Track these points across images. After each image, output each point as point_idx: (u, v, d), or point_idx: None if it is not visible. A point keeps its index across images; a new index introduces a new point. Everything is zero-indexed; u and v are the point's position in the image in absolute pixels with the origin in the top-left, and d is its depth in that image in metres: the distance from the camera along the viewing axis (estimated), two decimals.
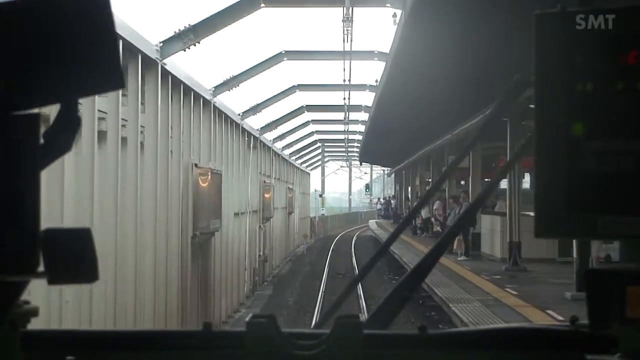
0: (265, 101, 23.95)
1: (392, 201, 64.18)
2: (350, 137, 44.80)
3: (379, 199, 75.58)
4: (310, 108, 31.52)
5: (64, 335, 1.48)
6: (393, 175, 69.16)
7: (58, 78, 1.02)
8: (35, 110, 1.01)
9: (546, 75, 1.22)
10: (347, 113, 33.61)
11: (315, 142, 46.44)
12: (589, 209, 1.20)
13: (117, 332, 1.56)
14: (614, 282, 1.21)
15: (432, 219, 31.30)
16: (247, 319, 1.38)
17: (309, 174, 59.23)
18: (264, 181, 28.33)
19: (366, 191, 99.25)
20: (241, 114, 22.05)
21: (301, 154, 45.86)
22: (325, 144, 51.76)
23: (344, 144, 48.67)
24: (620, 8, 1.20)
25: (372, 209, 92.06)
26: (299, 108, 30.22)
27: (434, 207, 30.31)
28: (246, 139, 22.81)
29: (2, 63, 0.98)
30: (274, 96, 24.50)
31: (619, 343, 1.24)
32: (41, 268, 1.00)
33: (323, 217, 66.45)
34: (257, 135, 26.50)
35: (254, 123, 24.64)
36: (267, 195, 27.92)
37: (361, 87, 28.33)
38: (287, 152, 38.97)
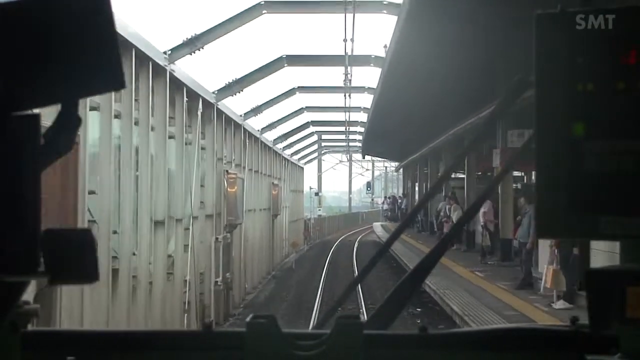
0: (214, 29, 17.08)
1: (400, 200, 58.46)
2: (353, 115, 39.54)
3: (386, 197, 72.38)
4: (292, 60, 24.59)
5: (64, 335, 1.57)
6: (401, 171, 65.28)
7: (58, 78, 1.08)
8: (36, 111, 1.08)
9: (547, 75, 1.29)
10: (349, 67, 27.63)
11: (307, 124, 40.84)
12: (589, 209, 1.27)
13: (118, 332, 1.64)
14: (615, 283, 1.27)
15: (480, 227, 24.41)
16: (247, 319, 1.47)
17: (302, 168, 54.79)
18: (227, 171, 21.31)
19: (367, 190, 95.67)
20: (168, 53, 15.12)
21: (290, 141, 41.17)
22: (321, 128, 46.49)
23: (343, 125, 43.29)
24: (620, 8, 1.27)
25: (374, 209, 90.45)
26: (277, 59, 23.72)
27: (482, 210, 23.32)
28: (185, 99, 16.10)
29: (3, 63, 1.06)
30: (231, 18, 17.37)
31: (620, 343, 1.32)
32: (42, 268, 1.05)
33: (320, 219, 61.66)
34: (212, 101, 20.04)
35: (204, 80, 18.60)
36: (231, 191, 21.06)
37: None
38: (269, 136, 33.34)
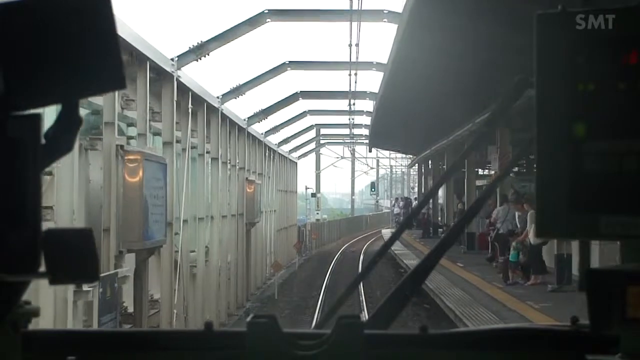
0: None
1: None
2: (358, 85, 30.39)
3: (397, 199, 62.53)
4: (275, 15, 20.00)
5: (65, 335, 1.64)
6: (417, 166, 55.40)
7: (59, 78, 1.11)
8: (37, 111, 1.16)
9: (547, 75, 1.36)
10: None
11: (296, 95, 29.88)
12: (590, 209, 1.34)
13: (119, 332, 1.78)
14: (615, 282, 1.33)
15: None
16: (248, 319, 1.56)
17: (295, 163, 45.10)
18: (123, 148, 12.77)
19: (372, 190, 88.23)
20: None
21: (273, 121, 30.89)
22: (314, 102, 34.67)
23: (346, 96, 32.43)
24: (620, 8, 1.36)
25: (379, 211, 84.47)
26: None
27: None
28: None
29: (3, 63, 1.11)
30: None
31: (620, 343, 1.39)
32: (42, 268, 1.12)
33: (318, 224, 53.03)
34: None
35: None
36: (132, 182, 12.42)
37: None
38: (241, 113, 24.50)
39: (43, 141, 1.09)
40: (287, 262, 38.23)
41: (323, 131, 49.59)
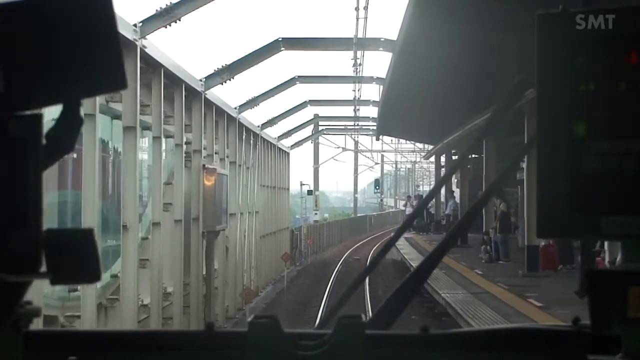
0: None
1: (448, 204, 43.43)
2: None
3: (408, 197, 56.40)
4: None
5: (67, 335, 1.72)
6: (434, 158, 50.75)
7: (61, 78, 1.15)
8: (38, 111, 1.21)
9: (548, 75, 1.41)
10: None
11: (277, 44, 21.98)
12: (590, 209, 1.39)
13: (120, 332, 1.79)
14: (616, 283, 1.38)
15: None
16: (249, 319, 1.74)
17: (287, 152, 38.46)
18: None
19: (376, 188, 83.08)
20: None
21: (247, 90, 26.19)
22: (298, 52, 27.48)
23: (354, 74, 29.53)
24: (620, 8, 1.42)
25: (383, 211, 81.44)
26: None
27: None
28: None
29: (5, 63, 1.15)
30: None
31: (621, 343, 1.45)
32: (43, 268, 1.16)
33: (315, 227, 46.61)
34: None
35: None
36: None
37: None
38: (194, 70, 18.47)
39: (44, 141, 1.11)
40: (275, 276, 33.17)
41: (321, 112, 43.49)
